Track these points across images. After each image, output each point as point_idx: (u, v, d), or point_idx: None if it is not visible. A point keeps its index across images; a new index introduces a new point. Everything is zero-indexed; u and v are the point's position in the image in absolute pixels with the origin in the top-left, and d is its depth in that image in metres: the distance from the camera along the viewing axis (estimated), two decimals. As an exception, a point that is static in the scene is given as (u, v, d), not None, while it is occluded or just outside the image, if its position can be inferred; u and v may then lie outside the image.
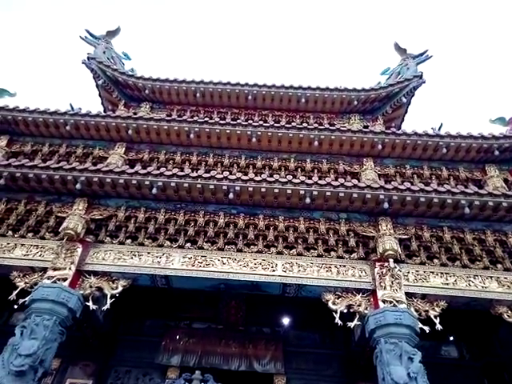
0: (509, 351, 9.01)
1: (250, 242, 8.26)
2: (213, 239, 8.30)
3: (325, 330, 9.68)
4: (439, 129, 10.90)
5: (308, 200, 7.96)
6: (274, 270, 7.81)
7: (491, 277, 7.81)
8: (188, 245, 8.22)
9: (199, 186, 8.02)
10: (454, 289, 7.60)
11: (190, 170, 8.43)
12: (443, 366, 9.18)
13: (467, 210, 7.85)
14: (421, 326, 7.02)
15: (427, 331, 6.97)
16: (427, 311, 7.33)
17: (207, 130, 9.98)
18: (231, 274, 7.76)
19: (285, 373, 9.12)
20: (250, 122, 10.15)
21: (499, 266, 8.00)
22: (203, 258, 7.97)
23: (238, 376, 9.21)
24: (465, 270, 7.90)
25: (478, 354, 9.67)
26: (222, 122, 10.06)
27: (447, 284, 7.64)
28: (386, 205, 7.88)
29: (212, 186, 7.99)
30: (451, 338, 9.88)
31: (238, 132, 9.99)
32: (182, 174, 8.10)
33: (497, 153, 9.78)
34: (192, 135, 10.04)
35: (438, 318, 7.22)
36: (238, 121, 10.26)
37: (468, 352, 9.81)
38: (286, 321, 10.14)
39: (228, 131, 9.98)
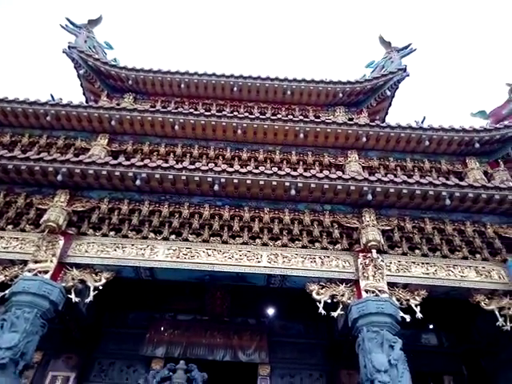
0: (486, 339, 9.31)
1: (235, 234, 8.27)
2: (198, 231, 8.27)
3: (309, 320, 9.81)
4: (422, 122, 11.07)
5: (293, 192, 8.00)
6: (259, 262, 7.85)
7: (470, 266, 8.02)
8: (173, 237, 8.18)
9: (184, 177, 7.96)
10: (434, 278, 7.77)
11: (174, 162, 8.35)
12: (423, 353, 9.45)
13: (448, 202, 8.00)
14: (402, 314, 7.19)
15: (408, 320, 7.14)
16: (408, 300, 7.49)
17: (192, 121, 9.89)
18: (216, 266, 7.77)
19: (269, 362, 9.23)
20: (236, 114, 10.09)
21: (478, 255, 8.21)
22: (188, 250, 7.95)
23: (223, 366, 9.28)
24: (445, 260, 8.08)
25: (456, 342, 9.98)
26: (207, 113, 9.98)
27: (428, 274, 7.81)
28: (369, 196, 7.98)
29: (197, 178, 7.95)
30: (431, 327, 10.15)
31: (224, 124, 9.94)
32: (166, 165, 8.03)
33: (477, 145, 9.99)
34: (177, 126, 9.94)
35: (419, 307, 7.39)
36: (224, 112, 10.20)
37: (447, 340, 10.11)
38: (270, 311, 10.24)
39: (213, 123, 9.91)
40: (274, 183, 7.98)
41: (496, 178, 9.51)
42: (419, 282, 7.69)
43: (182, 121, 9.88)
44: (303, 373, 9.32)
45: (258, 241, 8.18)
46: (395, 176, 8.34)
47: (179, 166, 8.03)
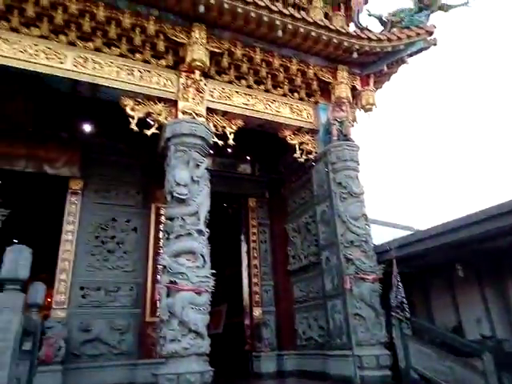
0: (287, 170, 10.39)
1: (30, 23, 6.60)
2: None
3: (131, 140, 8.12)
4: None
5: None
6: (61, 63, 6.66)
7: (286, 103, 8.52)
8: None
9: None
10: (252, 110, 8.05)
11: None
12: (238, 179, 10.90)
13: (280, 33, 7.57)
14: (216, 140, 7.29)
15: (220, 145, 7.39)
16: (224, 127, 7.66)
17: None
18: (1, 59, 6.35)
19: (82, 177, 8.69)
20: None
21: (295, 94, 8.72)
22: None
23: (28, 178, 8.98)
24: (266, 94, 8.34)
25: (265, 172, 11.02)
26: None
27: (247, 105, 8.01)
28: (201, 8, 6.92)
29: None
30: (248, 158, 10.92)
31: None
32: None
33: (355, 55, 8.56)
34: None
35: (233, 135, 7.63)
36: None
37: (259, 170, 11.04)
38: (87, 127, 9.21)
39: None
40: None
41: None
42: (238, 112, 7.85)
43: None
44: (120, 189, 9.10)
45: (62, 37, 6.74)
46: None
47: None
